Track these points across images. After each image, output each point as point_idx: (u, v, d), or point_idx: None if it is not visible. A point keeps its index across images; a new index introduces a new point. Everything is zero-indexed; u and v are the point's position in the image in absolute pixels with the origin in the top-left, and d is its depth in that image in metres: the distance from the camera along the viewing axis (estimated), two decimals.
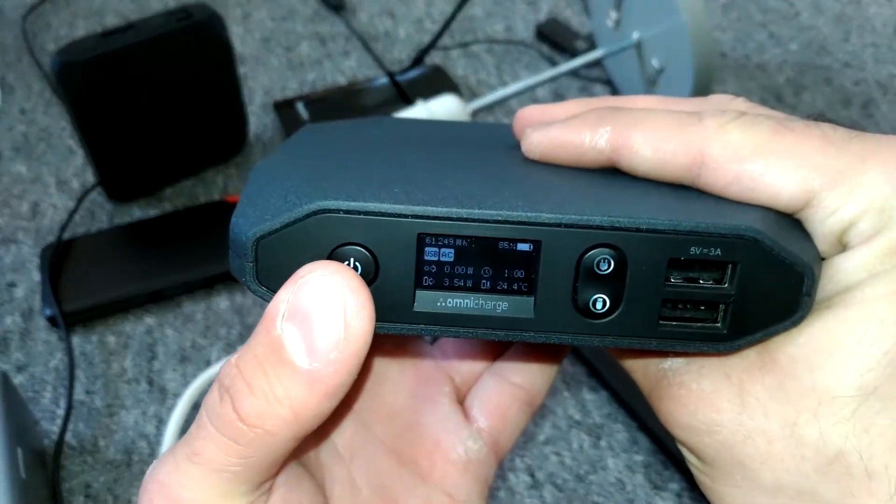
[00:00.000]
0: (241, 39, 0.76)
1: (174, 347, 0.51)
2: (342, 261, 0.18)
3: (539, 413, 0.47)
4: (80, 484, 0.44)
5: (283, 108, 0.66)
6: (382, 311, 0.18)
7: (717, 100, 0.21)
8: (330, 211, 0.18)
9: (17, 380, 0.49)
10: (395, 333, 0.19)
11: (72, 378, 0.48)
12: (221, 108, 0.61)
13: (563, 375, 0.49)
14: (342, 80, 0.72)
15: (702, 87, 0.58)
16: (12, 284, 0.55)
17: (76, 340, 0.51)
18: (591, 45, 0.72)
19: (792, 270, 0.18)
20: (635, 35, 0.62)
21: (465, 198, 0.18)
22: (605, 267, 0.18)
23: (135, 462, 0.45)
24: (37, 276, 0.55)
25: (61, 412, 0.48)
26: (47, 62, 0.73)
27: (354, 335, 0.16)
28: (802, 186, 0.18)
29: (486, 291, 0.19)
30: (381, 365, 0.25)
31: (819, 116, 0.64)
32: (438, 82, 0.68)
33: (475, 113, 0.59)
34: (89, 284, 0.52)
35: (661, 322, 0.19)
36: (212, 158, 0.62)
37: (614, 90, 0.68)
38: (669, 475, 0.44)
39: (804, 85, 0.70)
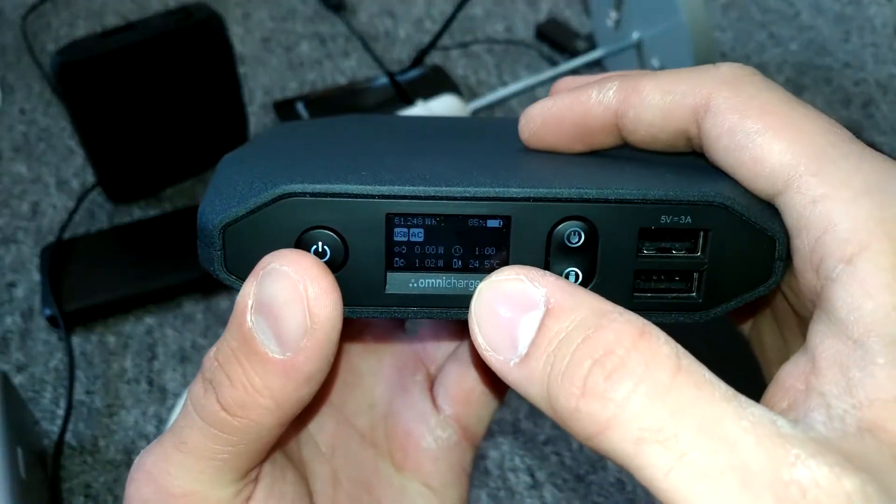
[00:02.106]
0: (242, 39, 0.76)
1: (174, 347, 0.51)
2: (310, 245, 0.18)
3: (539, 413, 0.47)
4: (79, 484, 0.44)
5: (283, 108, 0.66)
6: (354, 295, 0.18)
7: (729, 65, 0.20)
8: (296, 195, 0.18)
9: (17, 380, 0.49)
10: (368, 317, 0.19)
11: (72, 378, 0.48)
12: (221, 108, 0.61)
13: None
14: (342, 80, 0.72)
15: None
16: (12, 284, 0.55)
17: (76, 340, 0.51)
18: (591, 45, 0.72)
19: (763, 235, 0.18)
20: (635, 35, 0.62)
21: (433, 177, 0.18)
22: (576, 240, 0.18)
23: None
24: (37, 276, 0.55)
25: (61, 412, 0.48)
26: (47, 62, 0.73)
27: (320, 322, 0.16)
28: (789, 161, 0.17)
29: (457, 270, 0.19)
30: (360, 355, 0.24)
31: None
32: (438, 82, 0.68)
33: (475, 113, 0.59)
34: (89, 284, 0.52)
35: (635, 294, 0.19)
36: (212, 158, 0.62)
37: None
38: None
39: (804, 85, 0.70)
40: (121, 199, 0.60)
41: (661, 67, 0.60)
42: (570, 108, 0.20)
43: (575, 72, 0.68)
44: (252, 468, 0.19)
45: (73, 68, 0.52)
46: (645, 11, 0.60)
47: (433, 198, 0.18)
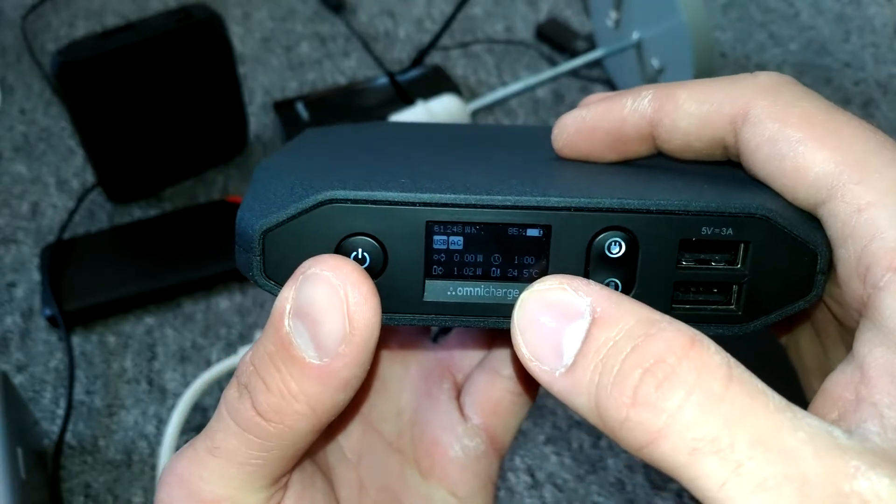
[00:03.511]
0: (241, 39, 0.76)
1: (174, 347, 0.51)
2: (350, 252, 0.18)
3: (539, 413, 0.47)
4: (79, 484, 0.44)
5: (283, 109, 0.66)
6: (392, 302, 0.18)
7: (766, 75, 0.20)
8: (338, 201, 0.18)
9: (17, 380, 0.49)
10: (406, 325, 0.19)
11: (72, 378, 0.48)
12: (221, 108, 0.61)
13: None
14: (342, 80, 0.72)
15: None
16: (12, 284, 0.55)
17: (76, 340, 0.51)
18: (591, 45, 0.72)
19: (805, 248, 0.18)
20: (635, 35, 0.62)
21: (473, 185, 0.18)
22: (617, 250, 0.18)
23: (135, 462, 0.45)
24: (37, 276, 0.55)
25: (61, 412, 0.48)
26: (47, 62, 0.73)
27: (359, 329, 0.16)
28: (832, 170, 0.17)
29: (496, 279, 0.18)
30: (386, 362, 0.24)
31: None
32: (438, 82, 0.68)
33: (475, 113, 0.59)
34: (89, 284, 0.52)
35: (674, 305, 0.19)
36: (212, 158, 0.62)
37: (614, 90, 0.68)
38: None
39: (804, 85, 0.70)
40: (121, 199, 0.60)
41: (661, 68, 0.60)
42: (605, 117, 0.20)
43: (575, 72, 0.68)
44: (284, 474, 0.19)
45: (73, 68, 0.52)
46: (645, 11, 0.60)
47: (473, 206, 0.18)
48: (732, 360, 0.15)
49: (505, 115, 0.67)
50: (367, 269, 0.18)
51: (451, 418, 0.24)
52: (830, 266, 0.18)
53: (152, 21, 0.54)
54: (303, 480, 0.20)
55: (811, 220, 0.18)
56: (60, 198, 0.61)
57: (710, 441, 0.14)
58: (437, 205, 0.18)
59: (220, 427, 0.18)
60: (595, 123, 0.20)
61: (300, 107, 0.66)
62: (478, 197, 0.18)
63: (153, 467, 0.45)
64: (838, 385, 0.16)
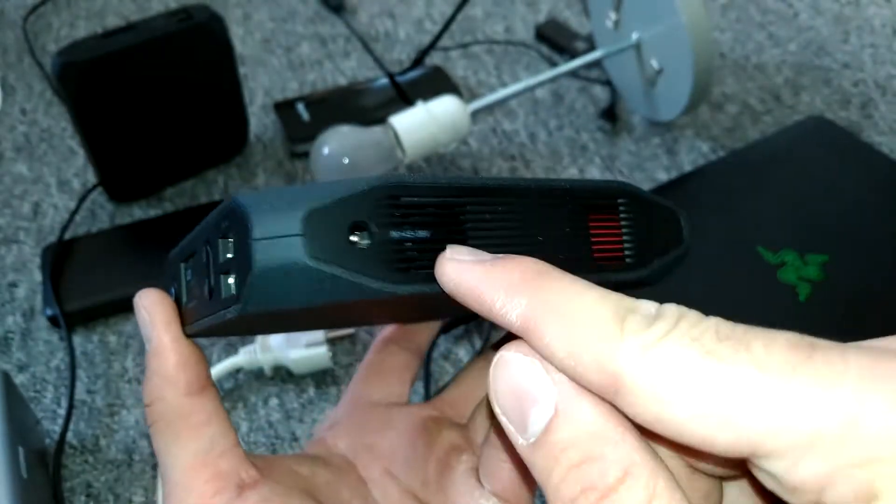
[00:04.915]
0: (242, 40, 0.76)
1: None
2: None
3: None
4: (81, 483, 0.45)
5: (284, 109, 0.67)
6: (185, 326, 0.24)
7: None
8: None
9: (19, 379, 0.49)
10: (199, 336, 0.24)
11: (73, 378, 0.48)
12: (222, 109, 0.61)
13: None
14: (342, 81, 0.72)
15: (701, 88, 0.58)
16: (13, 284, 0.55)
17: (77, 340, 0.51)
18: (591, 46, 0.73)
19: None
20: (634, 36, 0.62)
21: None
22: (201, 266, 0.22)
23: (136, 461, 0.46)
24: (38, 276, 0.55)
25: (62, 412, 0.48)
26: (48, 63, 0.73)
27: (152, 313, 0.24)
28: (745, 442, 0.14)
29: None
30: (427, 441, 0.27)
31: (817, 118, 0.64)
32: (438, 83, 0.69)
33: (475, 113, 0.59)
34: (90, 284, 0.52)
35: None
36: (213, 159, 0.63)
37: (614, 90, 0.69)
38: None
39: (803, 85, 0.70)
40: (122, 199, 0.60)
41: (661, 68, 0.60)
42: (474, 301, 0.18)
43: (574, 73, 0.69)
44: (208, 450, 0.23)
45: (75, 69, 0.52)
46: (644, 12, 0.60)
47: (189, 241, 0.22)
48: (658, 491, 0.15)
49: (504, 115, 0.67)
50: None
51: (468, 485, 0.25)
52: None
53: (153, 22, 0.55)
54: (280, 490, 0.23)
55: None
56: (61, 198, 0.61)
57: None
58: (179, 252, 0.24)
59: (152, 439, 0.24)
60: (468, 297, 0.18)
61: (300, 107, 0.67)
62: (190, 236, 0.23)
63: (154, 467, 0.45)
64: None
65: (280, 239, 0.17)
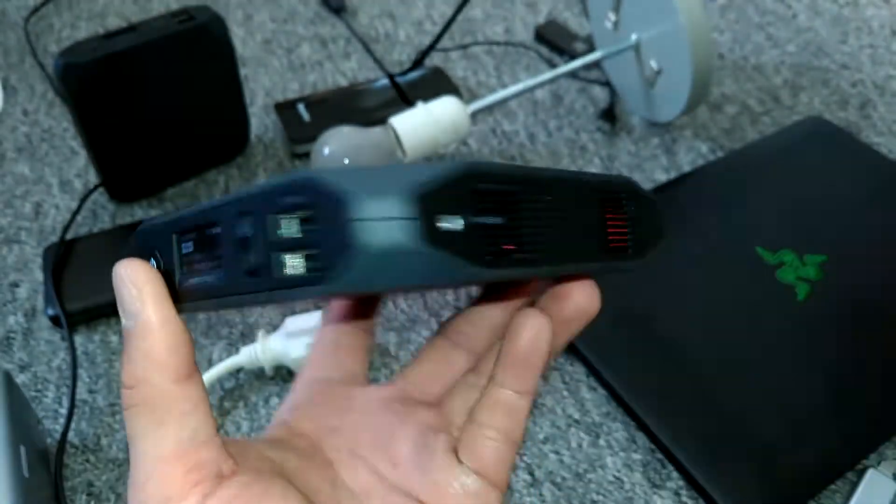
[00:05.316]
0: (243, 41, 0.77)
1: None
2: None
3: (538, 412, 0.48)
4: (82, 482, 0.45)
5: (284, 110, 0.67)
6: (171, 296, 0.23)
7: None
8: (143, 230, 0.24)
9: (20, 379, 0.50)
10: (186, 312, 0.23)
11: (74, 377, 0.49)
12: (223, 110, 0.61)
13: (563, 375, 0.49)
14: (343, 82, 0.72)
15: (700, 88, 0.59)
16: (15, 284, 0.55)
17: (79, 340, 0.52)
18: (590, 47, 0.73)
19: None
20: (634, 37, 0.62)
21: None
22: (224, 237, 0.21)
23: None
24: (39, 276, 0.55)
25: (64, 411, 0.48)
26: (50, 63, 0.74)
27: (141, 286, 0.22)
28: None
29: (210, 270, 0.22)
30: (392, 420, 0.27)
31: (816, 119, 0.65)
32: (438, 84, 0.69)
33: (475, 114, 0.60)
34: (92, 284, 0.53)
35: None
36: (214, 159, 0.63)
37: (613, 91, 0.69)
38: (667, 473, 0.45)
39: (801, 86, 0.70)
40: (123, 199, 0.60)
41: (660, 69, 0.60)
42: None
43: (574, 74, 0.69)
44: (191, 440, 0.22)
45: (76, 70, 0.52)
46: (643, 13, 0.60)
47: (192, 214, 0.22)
48: None
49: (504, 116, 0.67)
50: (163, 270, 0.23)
51: (448, 462, 0.26)
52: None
53: (154, 23, 0.55)
54: (243, 490, 0.22)
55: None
56: (63, 198, 0.61)
57: None
58: (175, 219, 0.22)
59: (127, 424, 0.22)
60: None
61: (301, 108, 0.67)
62: (193, 208, 0.22)
63: None
64: None
65: (388, 221, 0.17)
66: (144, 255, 0.23)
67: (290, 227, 0.19)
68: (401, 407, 0.28)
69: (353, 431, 0.27)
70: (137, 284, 0.21)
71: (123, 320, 0.22)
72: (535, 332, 0.24)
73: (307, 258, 0.18)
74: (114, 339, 0.52)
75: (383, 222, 0.17)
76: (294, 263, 0.19)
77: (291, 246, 0.19)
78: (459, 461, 0.26)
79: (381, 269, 0.18)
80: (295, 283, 0.18)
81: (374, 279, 0.18)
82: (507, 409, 0.26)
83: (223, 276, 0.20)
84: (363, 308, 0.30)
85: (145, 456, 0.21)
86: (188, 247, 0.22)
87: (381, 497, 0.26)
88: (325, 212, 0.18)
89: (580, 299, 0.26)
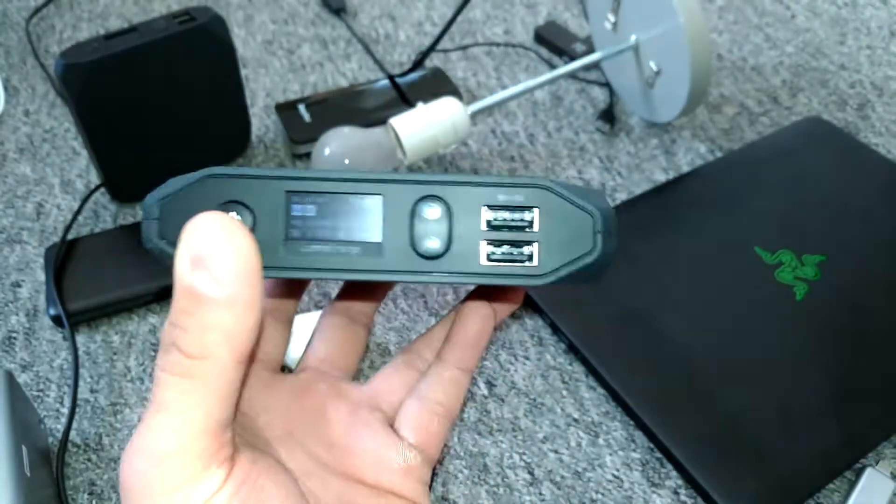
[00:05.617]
0: (244, 42, 0.77)
1: None
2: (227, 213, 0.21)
3: (538, 412, 0.48)
4: (84, 482, 0.45)
5: (285, 110, 0.67)
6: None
7: None
8: (216, 176, 0.22)
9: (22, 379, 0.50)
10: (272, 276, 0.23)
11: (76, 377, 0.49)
12: (224, 110, 0.61)
13: (562, 374, 0.50)
14: (343, 83, 0.72)
15: (698, 89, 0.59)
16: (17, 284, 0.55)
17: (80, 339, 0.52)
18: (590, 48, 0.73)
19: (582, 212, 0.23)
20: (633, 38, 0.63)
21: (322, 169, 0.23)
22: (434, 215, 0.22)
23: None
24: (41, 276, 0.56)
25: (66, 410, 0.48)
26: (51, 64, 0.74)
27: (244, 254, 0.19)
28: None
29: (341, 241, 0.23)
30: (319, 400, 0.27)
31: (814, 120, 0.65)
32: (438, 85, 0.69)
33: (475, 115, 0.60)
34: (93, 284, 0.53)
35: (487, 262, 0.23)
36: (214, 159, 0.63)
37: (612, 92, 0.69)
38: (666, 472, 0.45)
39: (800, 87, 0.70)
40: (124, 200, 0.60)
41: (659, 70, 0.61)
42: None
43: (573, 74, 0.69)
44: (226, 419, 0.20)
45: (77, 70, 0.52)
46: (642, 14, 0.61)
47: (322, 179, 0.22)
48: None
49: (504, 116, 0.68)
50: None
51: (389, 439, 0.27)
52: (612, 228, 0.23)
53: (155, 24, 0.55)
54: (254, 464, 0.22)
55: (591, 195, 0.23)
56: (64, 198, 0.61)
57: None
58: (294, 178, 0.22)
59: (159, 387, 0.20)
60: None
61: (302, 109, 0.67)
62: (326, 173, 0.22)
63: None
64: None
65: (609, 234, 0.23)
66: (209, 203, 0.22)
67: (525, 223, 0.23)
68: (326, 388, 0.28)
69: (284, 410, 0.27)
70: (238, 250, 0.19)
71: (194, 278, 0.19)
72: (481, 319, 0.28)
73: (543, 252, 0.22)
74: (115, 338, 0.52)
75: (608, 234, 0.22)
76: (528, 253, 0.23)
77: (528, 240, 0.23)
78: (399, 437, 0.27)
79: (599, 270, 0.23)
80: (510, 272, 0.22)
81: (580, 280, 0.23)
82: (452, 383, 0.28)
83: (371, 251, 0.22)
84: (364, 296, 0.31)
85: (171, 428, 0.20)
86: (304, 209, 0.23)
87: (320, 478, 0.25)
88: (568, 219, 0.22)
89: (472, 321, 0.28)
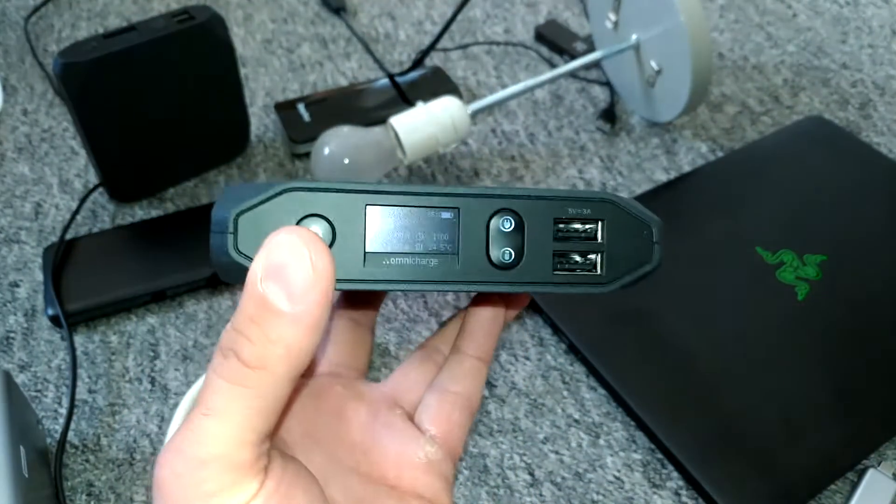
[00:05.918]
0: (243, 41, 0.77)
1: (176, 347, 0.51)
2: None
3: (538, 412, 0.48)
4: (82, 482, 0.45)
5: (285, 110, 0.67)
6: (339, 270, 0.22)
7: None
8: (296, 189, 0.22)
9: (20, 379, 0.50)
10: (350, 289, 0.23)
11: (74, 377, 0.49)
12: (224, 110, 0.61)
13: (562, 375, 0.49)
14: (343, 82, 0.72)
15: (699, 88, 0.59)
16: (15, 284, 0.55)
17: (78, 340, 0.52)
18: (590, 47, 0.73)
19: (642, 224, 0.24)
20: (634, 37, 0.62)
21: (400, 184, 0.24)
22: (508, 227, 0.23)
23: (137, 461, 0.46)
24: (39, 276, 0.55)
25: (64, 411, 0.48)
26: (50, 63, 0.74)
27: (322, 275, 0.19)
28: None
29: (420, 252, 0.23)
30: (337, 403, 0.28)
31: (816, 119, 0.65)
32: (438, 84, 0.69)
33: (475, 114, 0.60)
34: (92, 284, 0.53)
35: (555, 272, 0.24)
36: (214, 159, 0.63)
37: (613, 91, 0.69)
38: (667, 473, 0.45)
39: (802, 86, 0.70)
40: (123, 200, 0.60)
41: (660, 69, 0.60)
42: None
43: (574, 74, 0.69)
44: (269, 431, 0.20)
45: (76, 69, 0.52)
46: (643, 13, 0.60)
47: (401, 193, 0.23)
48: None
49: (504, 116, 0.67)
50: None
51: (411, 433, 0.27)
52: (662, 238, 0.24)
53: (154, 23, 0.55)
54: (284, 465, 0.22)
55: (647, 210, 0.24)
56: (63, 198, 0.61)
57: None
58: (373, 192, 0.23)
59: (210, 390, 0.20)
60: None
61: (301, 108, 0.67)
62: (404, 187, 0.23)
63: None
64: None
65: (660, 245, 0.25)
66: (288, 217, 0.22)
67: (592, 234, 0.24)
68: (343, 390, 0.28)
69: (302, 414, 0.27)
70: (316, 269, 0.19)
71: (268, 289, 0.19)
72: (493, 309, 0.29)
73: (608, 262, 0.24)
74: (113, 339, 0.52)
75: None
76: (595, 261, 0.24)
77: (594, 249, 0.24)
78: (421, 431, 0.27)
79: (651, 277, 0.25)
80: (578, 281, 0.24)
81: (634, 285, 0.25)
82: (470, 373, 0.28)
83: (447, 262, 0.23)
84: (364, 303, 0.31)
85: (216, 434, 0.19)
86: (384, 223, 0.23)
87: (339, 481, 0.25)
88: (646, 232, 0.24)
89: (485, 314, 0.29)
